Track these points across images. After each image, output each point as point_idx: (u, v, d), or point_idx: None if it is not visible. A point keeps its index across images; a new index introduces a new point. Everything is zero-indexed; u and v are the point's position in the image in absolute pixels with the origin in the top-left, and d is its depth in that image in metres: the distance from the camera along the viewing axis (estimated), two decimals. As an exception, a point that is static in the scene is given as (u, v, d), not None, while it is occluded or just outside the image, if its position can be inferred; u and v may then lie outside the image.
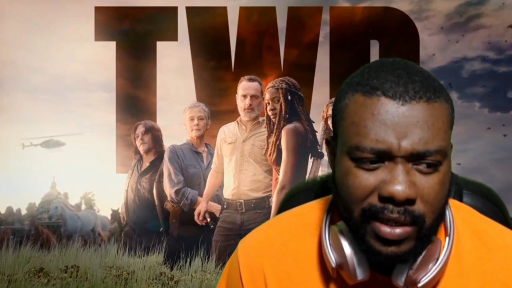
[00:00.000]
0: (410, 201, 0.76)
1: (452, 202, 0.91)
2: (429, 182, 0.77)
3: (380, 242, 0.78)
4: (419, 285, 0.81)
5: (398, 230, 0.77)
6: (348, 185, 0.80)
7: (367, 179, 0.78)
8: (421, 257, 0.80)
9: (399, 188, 0.75)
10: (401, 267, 0.81)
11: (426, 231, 0.78)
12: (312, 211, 0.94)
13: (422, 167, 0.77)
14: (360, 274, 0.82)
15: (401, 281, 0.81)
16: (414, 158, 0.76)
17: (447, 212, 0.87)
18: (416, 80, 0.78)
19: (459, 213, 0.89)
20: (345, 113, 0.80)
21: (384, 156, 0.77)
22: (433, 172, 0.77)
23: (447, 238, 0.84)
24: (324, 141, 0.93)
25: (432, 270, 0.81)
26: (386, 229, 0.77)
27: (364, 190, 0.78)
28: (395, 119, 0.76)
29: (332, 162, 0.86)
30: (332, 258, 0.84)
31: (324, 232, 0.87)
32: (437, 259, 0.82)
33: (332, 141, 0.86)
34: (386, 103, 0.77)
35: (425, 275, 0.81)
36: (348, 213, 0.81)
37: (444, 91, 0.80)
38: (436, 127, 0.77)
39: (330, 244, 0.85)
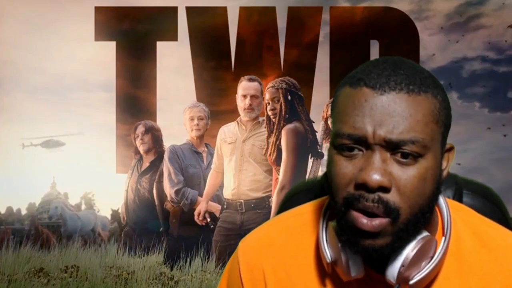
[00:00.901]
0: (384, 189, 0.77)
1: (452, 203, 0.91)
2: (407, 173, 0.78)
3: (358, 233, 0.79)
4: (411, 282, 0.81)
5: (375, 222, 0.78)
6: (331, 173, 0.82)
7: (346, 166, 0.80)
8: (412, 254, 0.80)
9: (372, 174, 0.77)
10: (393, 264, 0.81)
11: (402, 226, 0.79)
12: (311, 211, 0.95)
13: (400, 157, 0.78)
14: (353, 271, 0.83)
15: (393, 277, 0.81)
16: (389, 146, 0.78)
17: (445, 213, 0.87)
18: (401, 73, 0.80)
19: (459, 214, 0.89)
20: (335, 104, 0.84)
21: (361, 144, 0.79)
22: (412, 164, 0.78)
23: (443, 238, 0.85)
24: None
25: (425, 268, 0.82)
26: (363, 220, 0.78)
27: (343, 178, 0.80)
28: (373, 108, 0.78)
29: None
30: (327, 254, 0.85)
31: (321, 228, 0.88)
32: (432, 257, 0.82)
33: None
34: (366, 92, 0.79)
35: (418, 272, 0.81)
36: (334, 203, 0.82)
37: (435, 88, 0.81)
38: (414, 118, 0.78)
39: (326, 241, 0.86)
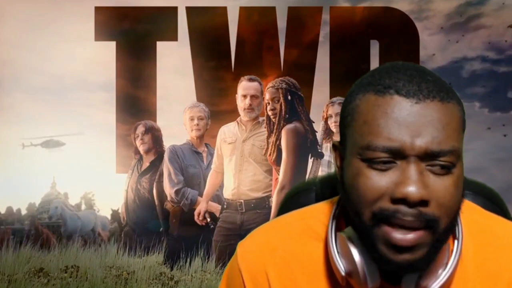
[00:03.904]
0: (424, 203, 0.74)
1: None
2: (444, 184, 0.75)
3: (392, 249, 0.75)
4: None
5: (410, 236, 0.74)
6: (358, 187, 0.77)
7: (378, 180, 0.75)
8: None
9: (412, 189, 0.73)
10: (410, 275, 0.78)
11: (440, 236, 0.76)
12: (315, 216, 0.91)
13: (436, 168, 0.75)
14: (370, 282, 0.80)
15: None
16: (427, 157, 0.74)
17: None
18: (429, 80, 0.77)
19: (464, 212, 0.86)
20: (356, 114, 0.79)
21: (397, 155, 0.75)
22: (447, 174, 0.75)
23: (456, 241, 0.82)
24: (331, 146, 0.91)
25: (442, 276, 0.79)
26: (397, 235, 0.74)
27: (375, 192, 0.75)
28: (409, 118, 0.74)
29: (339, 167, 0.84)
30: (341, 266, 0.82)
31: (331, 239, 0.85)
32: (446, 263, 0.80)
33: (339, 145, 0.84)
34: (399, 101, 0.75)
35: (435, 281, 0.79)
36: (358, 218, 0.78)
37: (455, 94, 0.79)
38: (450, 127, 0.75)
39: (338, 252, 0.83)
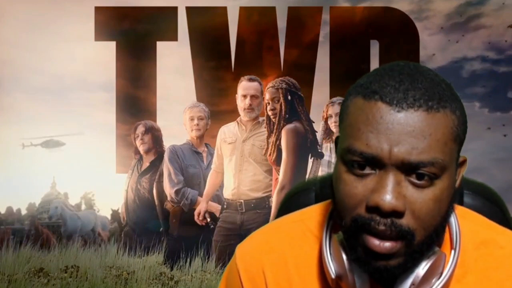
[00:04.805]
0: (397, 214, 0.74)
1: (458, 209, 0.88)
2: (422, 197, 0.74)
3: (369, 255, 0.76)
4: None
5: (387, 244, 0.74)
6: (339, 191, 0.78)
7: (356, 187, 0.76)
8: (423, 272, 0.77)
9: (385, 198, 0.73)
10: (403, 283, 0.78)
11: (415, 247, 0.76)
12: (312, 217, 0.91)
13: (415, 179, 0.74)
14: (359, 287, 0.80)
15: None
16: (406, 168, 0.73)
17: (453, 224, 0.84)
18: (419, 87, 0.75)
19: (464, 221, 0.86)
20: (345, 115, 0.79)
21: (375, 163, 0.74)
22: (428, 186, 0.74)
23: (453, 251, 0.82)
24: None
25: (436, 286, 0.79)
26: (375, 242, 0.75)
27: (353, 199, 0.76)
28: (389, 126, 0.73)
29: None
30: (331, 268, 0.82)
31: (324, 241, 0.85)
32: (441, 273, 0.79)
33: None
34: (382, 108, 0.74)
35: None
36: (341, 221, 0.79)
37: (454, 101, 0.77)
38: (433, 137, 0.73)
39: (330, 254, 0.83)
